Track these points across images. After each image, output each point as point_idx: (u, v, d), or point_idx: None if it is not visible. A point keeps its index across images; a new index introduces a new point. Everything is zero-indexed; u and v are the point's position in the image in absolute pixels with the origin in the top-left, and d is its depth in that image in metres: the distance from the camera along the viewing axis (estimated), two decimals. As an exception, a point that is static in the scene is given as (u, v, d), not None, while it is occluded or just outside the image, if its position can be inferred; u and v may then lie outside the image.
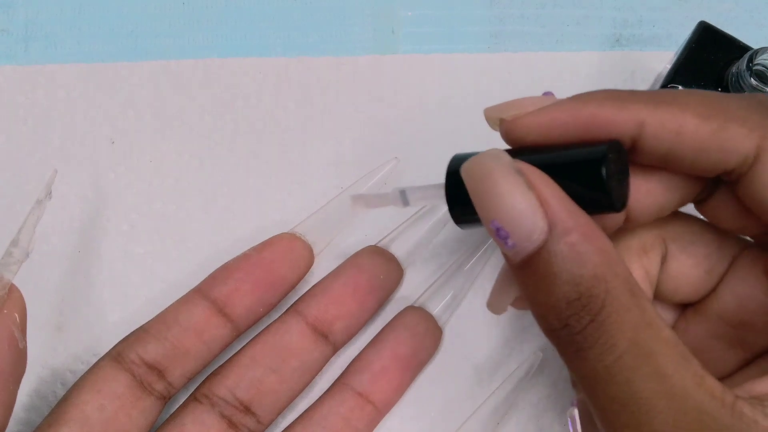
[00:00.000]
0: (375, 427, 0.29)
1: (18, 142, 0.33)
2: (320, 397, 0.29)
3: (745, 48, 0.29)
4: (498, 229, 0.21)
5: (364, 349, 0.30)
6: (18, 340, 0.24)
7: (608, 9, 0.35)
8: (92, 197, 0.33)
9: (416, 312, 0.30)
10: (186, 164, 0.33)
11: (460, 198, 0.23)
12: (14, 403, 0.24)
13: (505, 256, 0.22)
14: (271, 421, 0.28)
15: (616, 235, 0.25)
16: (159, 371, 0.27)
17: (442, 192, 0.24)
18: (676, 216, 0.25)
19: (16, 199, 0.32)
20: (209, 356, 0.28)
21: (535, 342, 0.31)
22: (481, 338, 0.31)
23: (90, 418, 0.26)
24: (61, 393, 0.29)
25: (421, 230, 0.32)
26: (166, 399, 0.27)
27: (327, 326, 0.28)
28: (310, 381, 0.29)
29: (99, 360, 0.27)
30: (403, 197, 0.27)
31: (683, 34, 0.31)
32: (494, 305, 0.26)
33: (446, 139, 0.34)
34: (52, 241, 0.32)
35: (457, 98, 0.34)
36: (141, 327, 0.28)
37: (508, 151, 0.23)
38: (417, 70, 0.34)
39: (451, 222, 0.32)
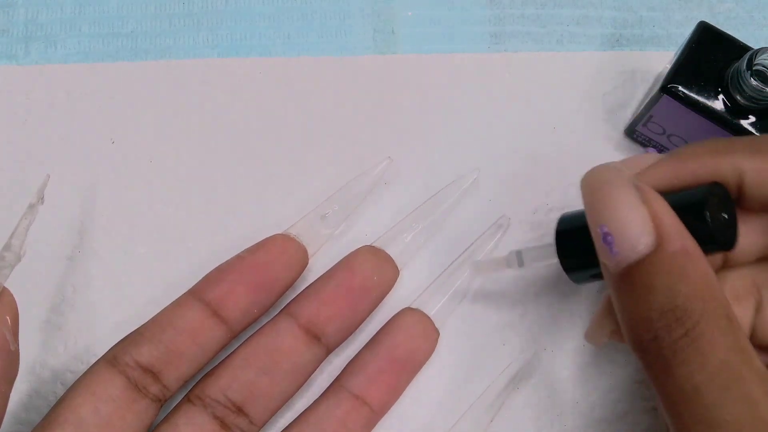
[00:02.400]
0: (372, 429, 0.29)
1: (18, 142, 0.33)
2: (316, 399, 0.29)
3: (745, 48, 0.29)
4: (605, 235, 0.22)
5: (360, 351, 0.30)
6: (9, 343, 0.24)
7: (608, 9, 0.35)
8: (92, 197, 0.33)
9: (413, 314, 0.30)
10: (186, 164, 0.33)
11: (570, 252, 0.26)
12: (6, 405, 0.24)
13: (605, 265, 0.23)
14: (264, 422, 0.28)
15: None
16: (154, 374, 0.27)
17: (553, 249, 0.27)
18: None
19: (16, 199, 0.32)
20: (204, 358, 0.28)
21: (531, 343, 0.31)
22: (477, 339, 0.31)
23: (84, 421, 0.26)
24: (62, 392, 0.29)
25: (419, 230, 0.31)
26: (161, 401, 0.27)
27: (319, 328, 0.28)
28: (303, 383, 0.29)
29: (94, 363, 0.27)
30: (519, 258, 0.28)
31: (683, 34, 0.31)
32: (592, 336, 0.28)
33: (446, 138, 0.34)
34: (52, 241, 0.32)
35: (457, 98, 0.34)
36: (136, 330, 0.28)
37: None
38: (417, 70, 0.34)
39: (449, 222, 0.32)
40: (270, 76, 0.34)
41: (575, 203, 0.33)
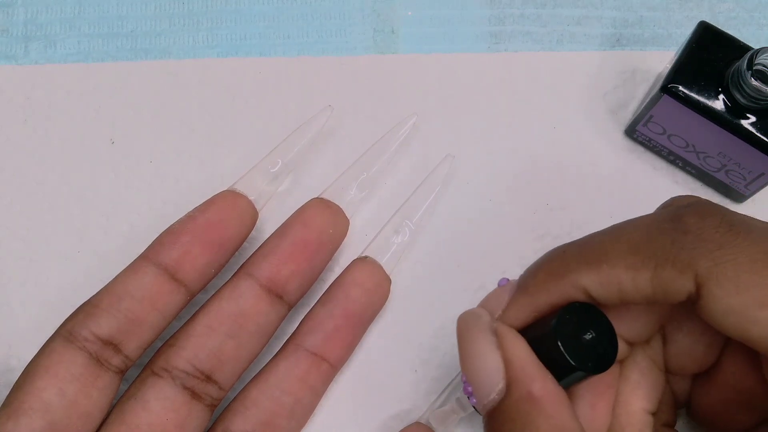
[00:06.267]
0: (331, 381, 0.29)
1: (18, 142, 0.33)
2: (274, 357, 0.29)
3: (745, 48, 0.29)
4: (465, 384, 0.23)
5: (315, 306, 0.29)
6: None
7: (608, 9, 0.35)
8: (92, 197, 0.33)
9: (366, 265, 0.30)
10: (186, 164, 0.33)
11: None
12: None
13: None
14: (232, 385, 0.28)
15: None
16: (115, 345, 0.26)
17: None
18: None
19: (16, 199, 0.32)
20: (164, 323, 0.27)
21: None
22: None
23: (51, 405, 0.25)
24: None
25: (364, 179, 0.31)
26: (123, 372, 0.27)
27: (281, 286, 0.28)
28: (268, 341, 0.28)
29: (49, 341, 0.26)
30: (460, 403, 0.28)
31: (683, 34, 0.31)
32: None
33: (446, 138, 0.34)
34: (52, 241, 0.32)
35: (457, 98, 0.34)
36: (89, 302, 0.27)
37: None
38: (417, 70, 0.34)
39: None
40: (270, 76, 0.34)
41: (575, 203, 0.33)
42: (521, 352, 0.22)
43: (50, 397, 0.25)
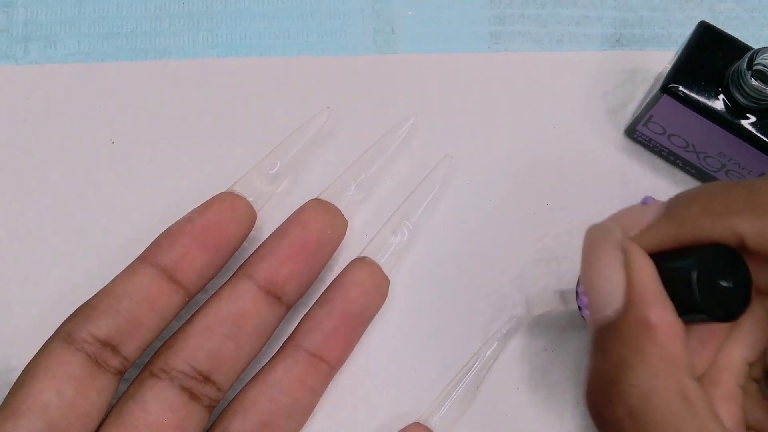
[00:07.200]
0: (330, 381, 0.29)
1: (18, 142, 0.33)
2: (272, 358, 0.29)
3: (745, 48, 0.29)
4: (581, 294, 0.22)
5: (313, 307, 0.29)
6: None
7: (608, 9, 0.35)
8: (92, 197, 0.33)
9: (364, 266, 0.30)
10: (186, 164, 0.33)
11: None
12: None
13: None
14: (231, 386, 0.28)
15: None
16: (113, 347, 0.26)
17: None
18: None
19: (16, 199, 0.32)
20: (163, 325, 0.27)
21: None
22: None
23: (49, 406, 0.25)
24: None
25: (363, 180, 0.31)
26: (122, 373, 0.27)
27: (279, 288, 0.28)
28: (266, 343, 0.28)
29: (48, 342, 0.26)
30: (563, 298, 0.28)
31: (683, 34, 0.31)
32: None
33: (445, 138, 0.34)
34: (52, 241, 0.32)
35: (457, 98, 0.34)
36: (87, 303, 0.27)
37: None
38: (417, 70, 0.34)
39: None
40: (270, 76, 0.34)
41: (575, 203, 0.33)
42: (647, 276, 0.21)
43: (48, 398, 0.25)
